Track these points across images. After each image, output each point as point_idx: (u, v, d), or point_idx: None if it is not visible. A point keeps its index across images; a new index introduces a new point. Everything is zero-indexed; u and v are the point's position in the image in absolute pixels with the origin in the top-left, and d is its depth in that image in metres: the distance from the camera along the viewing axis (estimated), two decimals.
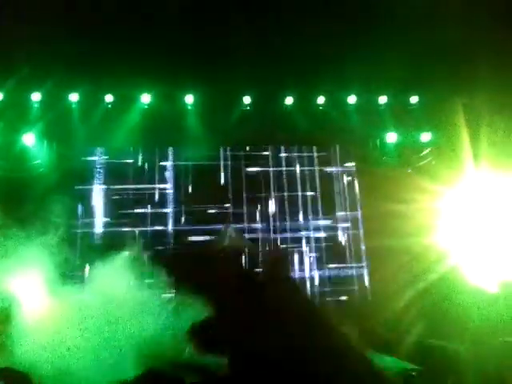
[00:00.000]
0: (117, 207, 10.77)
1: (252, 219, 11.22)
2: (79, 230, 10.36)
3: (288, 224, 11.36)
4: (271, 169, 11.61)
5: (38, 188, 9.74)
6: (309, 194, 11.65)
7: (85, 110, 10.34)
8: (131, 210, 10.78)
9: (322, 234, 11.41)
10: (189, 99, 10.66)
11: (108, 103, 10.39)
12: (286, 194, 11.60)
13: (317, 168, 11.75)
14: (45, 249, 8.93)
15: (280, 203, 11.51)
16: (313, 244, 11.37)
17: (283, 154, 11.70)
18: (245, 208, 11.20)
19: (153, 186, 10.99)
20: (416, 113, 11.19)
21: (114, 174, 10.90)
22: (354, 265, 11.23)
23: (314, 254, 11.28)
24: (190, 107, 10.70)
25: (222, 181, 11.29)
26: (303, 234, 11.41)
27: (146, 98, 10.48)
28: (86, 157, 10.59)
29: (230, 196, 11.21)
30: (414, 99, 11.20)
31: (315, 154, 11.77)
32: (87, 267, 9.21)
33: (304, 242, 11.35)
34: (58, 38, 8.27)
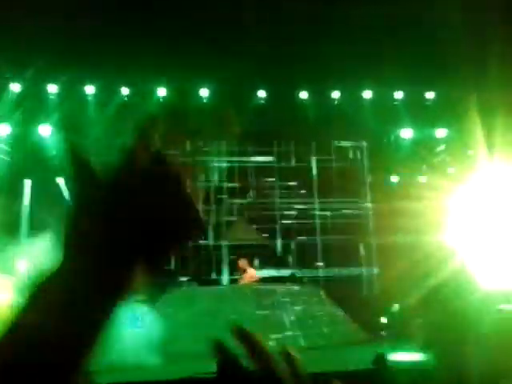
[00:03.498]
0: None
1: None
2: None
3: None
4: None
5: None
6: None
7: (101, 102, 10.42)
8: None
9: None
10: (204, 93, 10.70)
11: (124, 96, 10.45)
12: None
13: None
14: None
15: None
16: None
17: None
18: None
19: None
20: (432, 109, 11.10)
21: None
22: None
23: None
24: (205, 101, 10.73)
25: None
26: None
27: (162, 92, 10.53)
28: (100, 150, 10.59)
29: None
30: (429, 95, 11.11)
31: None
32: None
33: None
34: (74, 31, 8.32)
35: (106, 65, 9.16)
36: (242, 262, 9.30)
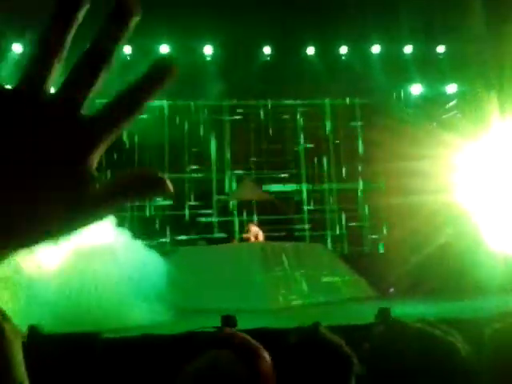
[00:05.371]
0: None
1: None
2: None
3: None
4: None
5: None
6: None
7: None
8: None
9: None
10: (208, 50, 10.46)
11: (126, 55, 10.24)
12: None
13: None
14: None
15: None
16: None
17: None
18: None
19: None
20: (442, 63, 10.74)
21: None
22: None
23: None
24: (208, 58, 10.50)
25: None
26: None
27: (164, 50, 10.29)
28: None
29: None
30: (440, 49, 10.74)
31: None
32: None
33: None
34: None
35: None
36: (252, 226, 9.36)
